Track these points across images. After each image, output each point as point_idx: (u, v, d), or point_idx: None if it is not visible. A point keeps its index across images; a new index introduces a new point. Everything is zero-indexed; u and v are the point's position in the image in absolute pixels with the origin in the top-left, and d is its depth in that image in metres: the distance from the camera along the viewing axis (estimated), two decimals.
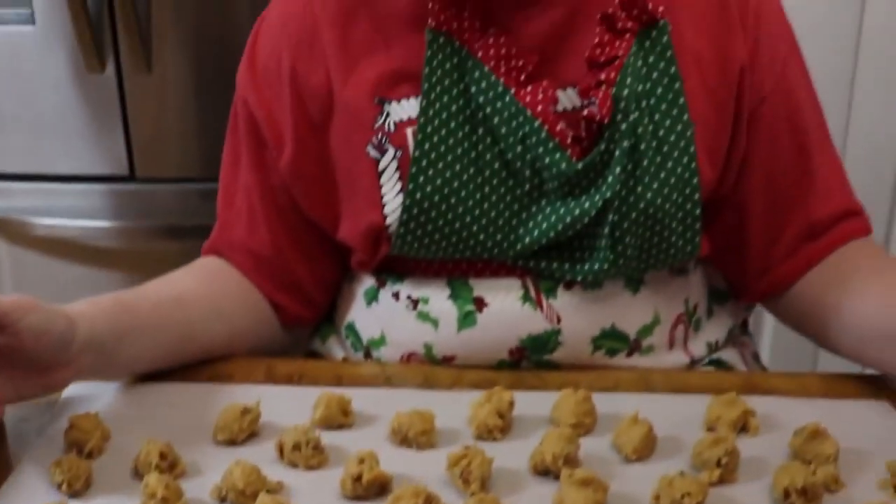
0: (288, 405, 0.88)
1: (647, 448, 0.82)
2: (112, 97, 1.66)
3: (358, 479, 0.76)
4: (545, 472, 0.79)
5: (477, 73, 0.92)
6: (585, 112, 0.90)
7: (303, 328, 1.09)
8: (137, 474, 0.79)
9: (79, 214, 1.72)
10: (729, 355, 1.05)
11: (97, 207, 1.72)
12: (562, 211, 0.91)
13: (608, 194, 0.90)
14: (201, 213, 1.65)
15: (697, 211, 0.92)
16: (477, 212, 0.92)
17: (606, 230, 0.90)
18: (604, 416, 0.86)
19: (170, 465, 0.78)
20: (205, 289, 0.99)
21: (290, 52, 0.98)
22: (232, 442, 0.84)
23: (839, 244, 0.98)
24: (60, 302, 0.84)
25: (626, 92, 0.89)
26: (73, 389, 0.89)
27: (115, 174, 1.72)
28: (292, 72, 0.97)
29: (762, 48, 0.96)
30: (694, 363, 1.01)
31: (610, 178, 0.90)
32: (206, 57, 1.65)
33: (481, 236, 0.92)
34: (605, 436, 0.84)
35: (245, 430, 0.84)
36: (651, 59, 0.91)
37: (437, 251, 0.94)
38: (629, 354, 0.97)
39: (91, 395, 0.91)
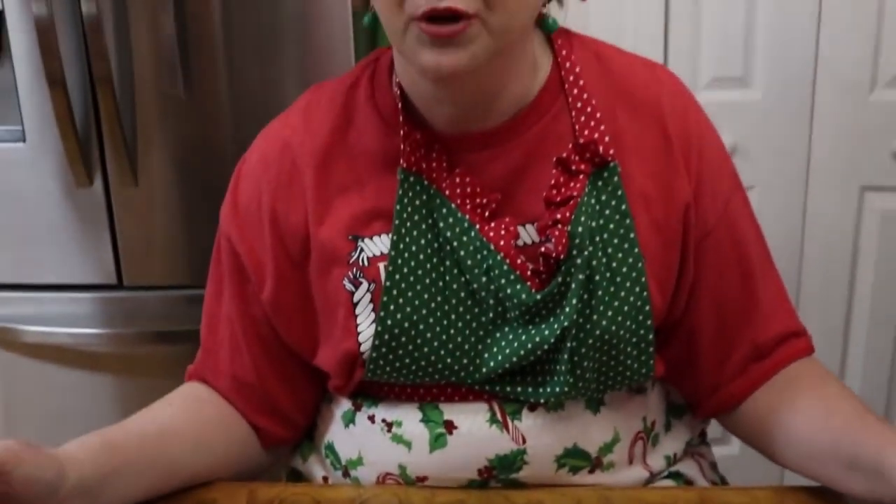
0: None
1: None
2: (100, 209, 1.72)
3: None
4: None
5: (444, 210, 0.98)
6: (543, 249, 0.96)
7: (284, 448, 1.14)
8: None
9: (68, 322, 1.76)
10: (687, 467, 1.09)
11: (86, 315, 1.77)
12: (523, 338, 0.96)
13: (566, 323, 0.95)
14: (187, 318, 1.71)
15: (650, 336, 0.97)
16: (444, 338, 0.97)
17: (565, 355, 0.95)
18: None
19: None
20: (189, 421, 1.03)
21: (270, 193, 1.03)
22: None
23: (784, 364, 1.03)
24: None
25: (580, 229, 0.95)
26: None
27: (103, 283, 1.77)
28: (272, 212, 1.03)
29: (705, 186, 1.02)
30: (653, 476, 1.06)
31: (567, 308, 0.95)
32: (190, 170, 1.71)
33: (448, 360, 0.97)
34: None
35: None
36: (603, 197, 0.97)
37: (409, 376, 0.99)
38: (591, 471, 1.01)
39: None
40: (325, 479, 1.10)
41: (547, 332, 0.96)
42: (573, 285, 0.95)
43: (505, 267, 0.96)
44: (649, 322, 0.97)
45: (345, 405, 1.06)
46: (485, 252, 0.96)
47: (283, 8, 1.63)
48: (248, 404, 1.07)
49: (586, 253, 0.95)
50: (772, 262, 1.07)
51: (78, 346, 1.77)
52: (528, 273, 0.97)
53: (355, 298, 0.99)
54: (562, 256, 0.95)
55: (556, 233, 0.95)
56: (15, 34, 1.67)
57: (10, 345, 1.79)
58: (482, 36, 0.88)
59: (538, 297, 0.95)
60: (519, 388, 0.99)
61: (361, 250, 1.00)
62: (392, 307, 0.97)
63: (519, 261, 0.97)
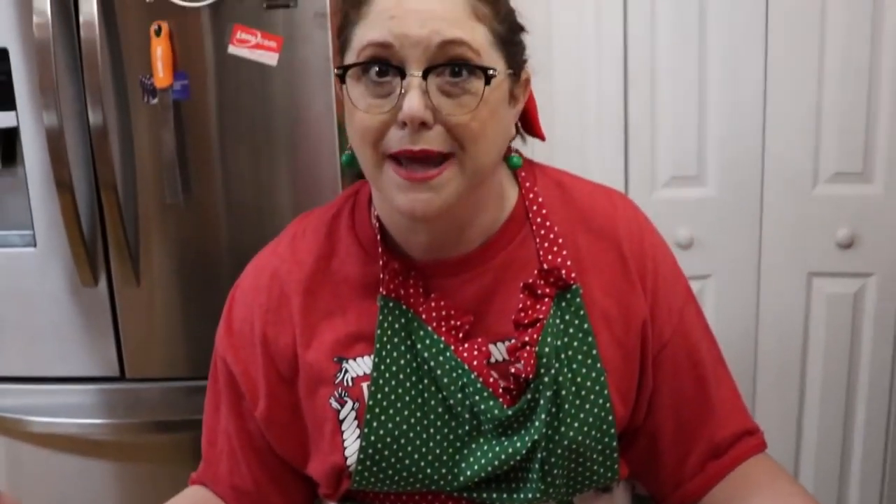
0: None
1: None
2: (104, 308, 1.83)
3: None
4: None
5: (422, 332, 1.03)
6: (513, 370, 1.03)
7: None
8: None
9: (73, 412, 1.85)
10: None
11: (90, 405, 1.86)
12: (497, 449, 1.03)
13: (536, 436, 1.02)
14: (186, 408, 1.81)
15: (614, 443, 1.05)
16: (424, 450, 1.04)
17: (536, 465, 1.03)
18: None
19: None
20: None
21: (261, 318, 1.09)
22: None
23: (739, 461, 1.10)
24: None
25: (546, 349, 1.02)
26: None
27: (106, 375, 1.87)
28: (263, 336, 1.09)
29: (660, 302, 1.08)
30: None
31: (537, 422, 1.02)
32: (189, 272, 1.81)
33: (429, 471, 1.04)
34: None
35: None
36: (567, 317, 1.04)
37: (392, 486, 1.05)
38: None
39: None
40: None
41: (519, 444, 1.02)
42: (542, 401, 1.02)
43: (479, 385, 1.02)
44: (613, 430, 1.04)
45: None
46: (459, 371, 1.02)
47: (275, 122, 1.75)
48: None
49: (553, 371, 1.02)
50: (724, 365, 1.15)
51: (82, 436, 1.86)
52: (500, 390, 1.03)
53: (341, 416, 1.06)
54: (531, 376, 1.02)
55: (525, 354, 1.02)
56: (28, 144, 1.79)
57: (17, 434, 1.88)
58: (455, 178, 0.94)
59: (510, 412, 1.02)
60: (494, 495, 1.05)
61: (346, 371, 1.05)
62: (375, 424, 1.03)
63: (491, 379, 1.03)
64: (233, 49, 1.73)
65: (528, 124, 1.13)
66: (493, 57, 0.96)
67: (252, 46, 1.73)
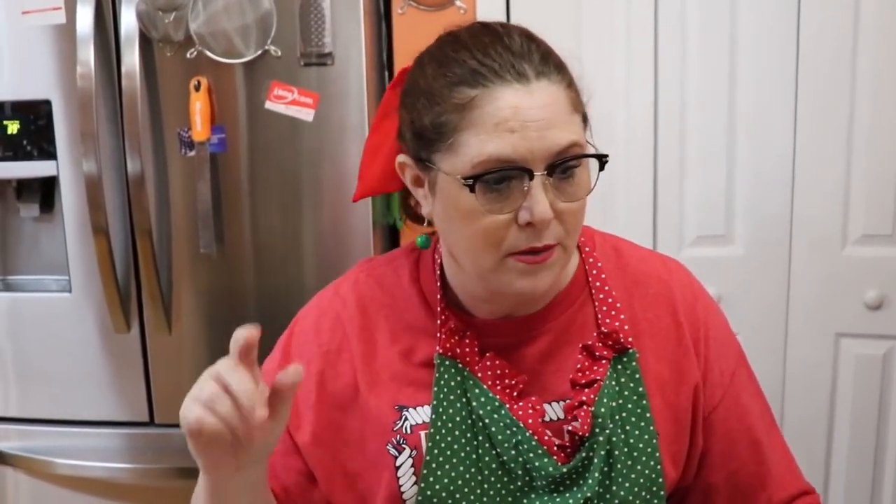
0: None
1: None
2: (136, 354, 1.77)
3: None
4: None
5: (477, 390, 1.01)
6: (570, 427, 0.99)
7: None
8: None
9: (100, 456, 1.80)
10: None
11: (118, 449, 1.80)
12: None
13: (588, 493, 0.98)
14: None
15: None
16: None
17: None
18: None
19: None
20: None
21: (321, 358, 1.06)
22: None
23: None
24: None
25: (602, 409, 0.99)
26: None
27: (135, 420, 1.80)
28: (319, 376, 1.05)
29: (712, 366, 1.06)
30: None
31: (590, 480, 0.98)
32: (219, 321, 1.77)
33: None
34: None
35: None
36: (623, 380, 1.02)
37: None
38: None
39: None
40: None
41: (571, 502, 0.98)
42: (595, 460, 0.98)
43: (533, 442, 0.99)
44: (662, 493, 1.00)
45: None
46: (514, 428, 0.99)
47: (306, 176, 1.72)
48: None
49: (607, 430, 0.99)
50: (776, 426, 1.10)
51: (109, 479, 1.80)
52: (555, 448, 1.00)
53: (398, 462, 1.02)
54: (586, 434, 0.98)
55: (582, 413, 0.99)
56: (66, 191, 1.76)
57: (44, 475, 1.82)
58: (560, 256, 0.96)
59: (563, 469, 0.99)
60: None
61: (405, 419, 1.03)
62: (432, 478, 1.00)
63: (546, 437, 1.00)
64: (270, 105, 1.69)
65: None
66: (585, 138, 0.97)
67: (289, 103, 1.70)
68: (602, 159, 0.96)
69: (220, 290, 1.75)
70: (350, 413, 1.06)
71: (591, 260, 1.08)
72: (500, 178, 0.92)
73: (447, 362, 1.02)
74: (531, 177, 0.91)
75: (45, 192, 1.79)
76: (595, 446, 0.99)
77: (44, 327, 1.78)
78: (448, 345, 1.03)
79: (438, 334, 1.03)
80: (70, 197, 1.76)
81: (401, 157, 1.01)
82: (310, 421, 1.06)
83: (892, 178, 1.88)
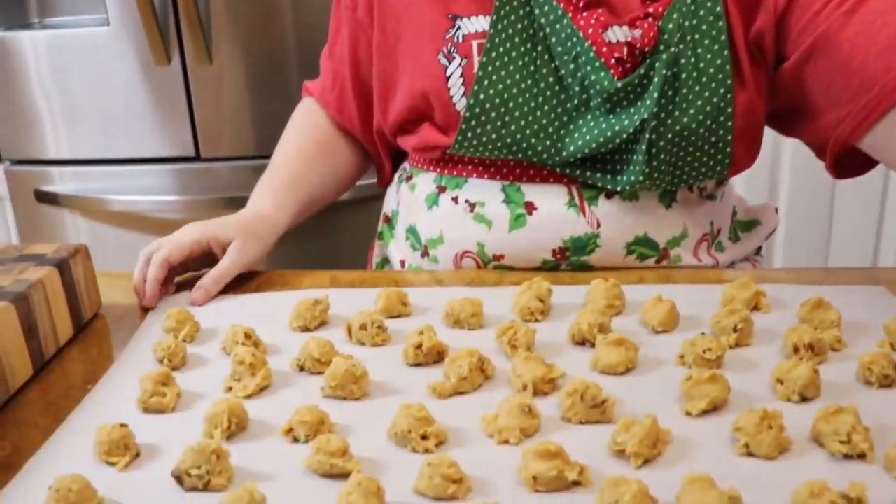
0: (352, 302, 0.89)
1: (670, 322, 0.82)
2: (178, 87, 1.68)
3: (419, 347, 0.77)
4: (582, 341, 0.80)
5: None
6: (630, 38, 0.90)
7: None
8: (226, 354, 0.80)
9: (150, 191, 1.74)
10: (742, 266, 1.05)
11: (165, 185, 1.74)
12: (604, 125, 0.92)
13: (646, 114, 0.90)
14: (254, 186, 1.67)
15: (729, 137, 0.92)
16: (531, 118, 0.93)
17: (643, 146, 0.91)
18: (631, 302, 0.87)
19: (253, 344, 0.80)
20: (326, 154, 1.12)
21: None
22: (305, 329, 0.85)
23: None
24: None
25: (671, 25, 0.90)
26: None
27: (182, 155, 1.74)
28: None
29: None
30: None
31: (648, 101, 0.90)
32: (259, 50, 1.66)
33: (533, 140, 0.93)
34: (633, 316, 0.85)
35: (317, 319, 0.85)
36: None
37: (493, 150, 0.95)
38: (658, 261, 0.97)
39: (179, 301, 0.93)
40: (402, 262, 1.07)
41: (627, 122, 0.91)
42: (656, 79, 0.90)
43: (591, 54, 0.91)
44: (729, 123, 0.92)
45: (429, 189, 1.03)
46: (574, 39, 0.92)
47: None
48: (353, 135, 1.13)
49: (673, 49, 0.90)
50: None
51: (158, 213, 1.74)
52: (613, 61, 0.91)
53: (448, 72, 0.96)
54: (648, 49, 0.90)
55: (646, 25, 0.90)
56: None
57: (96, 214, 1.77)
58: None
59: (619, 84, 0.91)
60: (598, 175, 0.95)
61: (458, 28, 0.96)
62: (486, 82, 0.93)
63: (605, 49, 0.91)
64: None
65: None
66: None
67: None
68: None
69: (259, 18, 1.64)
70: (403, 23, 1.00)
71: None
72: None
73: None
74: None
75: None
76: (657, 64, 0.90)
77: (85, 65, 1.68)
78: None
79: None
80: None
81: None
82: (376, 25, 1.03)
83: None
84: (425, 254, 1.03)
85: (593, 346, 0.78)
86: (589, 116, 0.93)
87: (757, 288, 0.86)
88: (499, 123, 0.93)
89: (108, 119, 1.72)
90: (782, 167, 1.91)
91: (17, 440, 0.69)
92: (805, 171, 1.89)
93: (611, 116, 0.92)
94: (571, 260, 0.96)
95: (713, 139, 0.92)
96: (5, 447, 0.68)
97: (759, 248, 1.13)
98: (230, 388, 0.74)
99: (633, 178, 0.92)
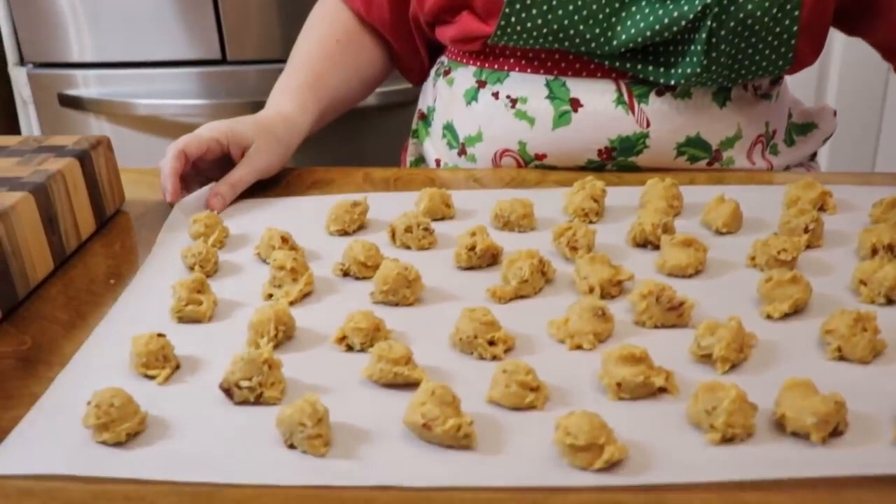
0: (391, 205, 0.83)
1: (735, 222, 0.77)
2: None
3: (472, 249, 0.72)
4: (644, 243, 0.75)
5: None
6: None
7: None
8: (261, 259, 0.76)
9: (176, 95, 1.67)
10: (797, 171, 0.99)
11: (192, 88, 1.68)
12: (661, 11, 0.84)
13: (707, 0, 0.82)
14: None
15: (795, 28, 0.85)
16: (579, 3, 0.85)
17: (703, 35, 0.83)
18: (688, 203, 0.82)
19: (291, 248, 0.75)
20: (349, 54, 1.03)
21: None
22: (344, 233, 0.80)
23: None
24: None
25: None
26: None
27: (208, 58, 1.66)
28: None
29: None
30: None
31: None
32: None
33: (581, 27, 0.86)
34: (693, 218, 0.80)
35: (356, 222, 0.80)
36: None
37: (537, 40, 0.87)
38: (709, 164, 0.91)
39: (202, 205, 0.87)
40: (438, 162, 1.02)
41: (686, 8, 0.83)
42: None
43: None
44: (797, 13, 0.84)
45: (467, 83, 0.96)
46: None
47: None
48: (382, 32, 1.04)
49: None
50: None
51: (183, 117, 1.68)
52: None
53: None
54: None
55: None
56: None
57: (123, 118, 1.71)
58: None
59: None
60: (650, 68, 0.87)
61: None
62: None
63: None
64: None
65: None
66: None
67: None
68: None
69: None
70: None
71: None
72: None
73: None
74: None
75: None
76: None
77: None
78: None
79: None
80: None
81: None
82: None
83: None
84: (462, 152, 0.97)
85: (655, 248, 0.73)
86: (644, 2, 0.85)
87: (822, 188, 0.80)
88: (544, 8, 0.85)
89: (131, 20, 1.64)
90: (830, 71, 1.82)
91: (37, 335, 0.65)
92: (854, 74, 1.80)
93: (668, 2, 0.84)
94: (618, 160, 0.90)
95: (778, 30, 0.85)
96: (26, 341, 0.65)
97: (814, 154, 1.06)
98: (270, 296, 0.70)
99: (689, 70, 0.85)
